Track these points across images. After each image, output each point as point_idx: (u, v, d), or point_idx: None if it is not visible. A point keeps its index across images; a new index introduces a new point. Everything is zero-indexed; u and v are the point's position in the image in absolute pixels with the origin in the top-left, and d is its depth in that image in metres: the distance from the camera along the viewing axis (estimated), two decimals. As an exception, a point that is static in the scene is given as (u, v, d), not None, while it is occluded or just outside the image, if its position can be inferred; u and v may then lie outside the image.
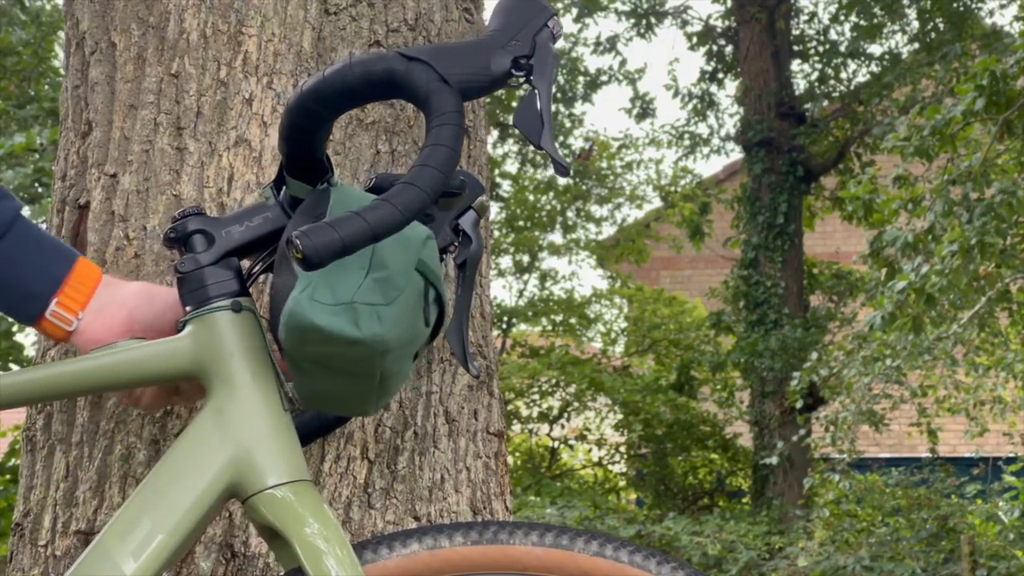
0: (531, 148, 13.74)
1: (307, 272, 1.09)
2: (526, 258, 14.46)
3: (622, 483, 13.57)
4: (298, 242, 0.99)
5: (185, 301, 1.18)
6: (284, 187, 1.19)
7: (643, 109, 13.47)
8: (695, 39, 13.13)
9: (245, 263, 1.22)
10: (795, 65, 12.76)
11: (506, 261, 14.43)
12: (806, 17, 12.99)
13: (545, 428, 13.04)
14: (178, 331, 1.18)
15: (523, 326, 14.71)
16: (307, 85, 1.11)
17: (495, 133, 13.39)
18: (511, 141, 13.87)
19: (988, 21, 11.88)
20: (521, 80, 1.14)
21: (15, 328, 5.67)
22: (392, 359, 1.15)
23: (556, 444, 13.22)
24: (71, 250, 1.23)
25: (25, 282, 1.18)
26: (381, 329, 1.11)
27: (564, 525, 1.23)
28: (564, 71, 13.48)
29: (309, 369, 1.15)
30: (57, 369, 1.18)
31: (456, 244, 1.29)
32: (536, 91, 1.13)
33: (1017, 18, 12.08)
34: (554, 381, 12.49)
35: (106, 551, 1.09)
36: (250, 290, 1.20)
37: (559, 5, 13.44)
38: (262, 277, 1.35)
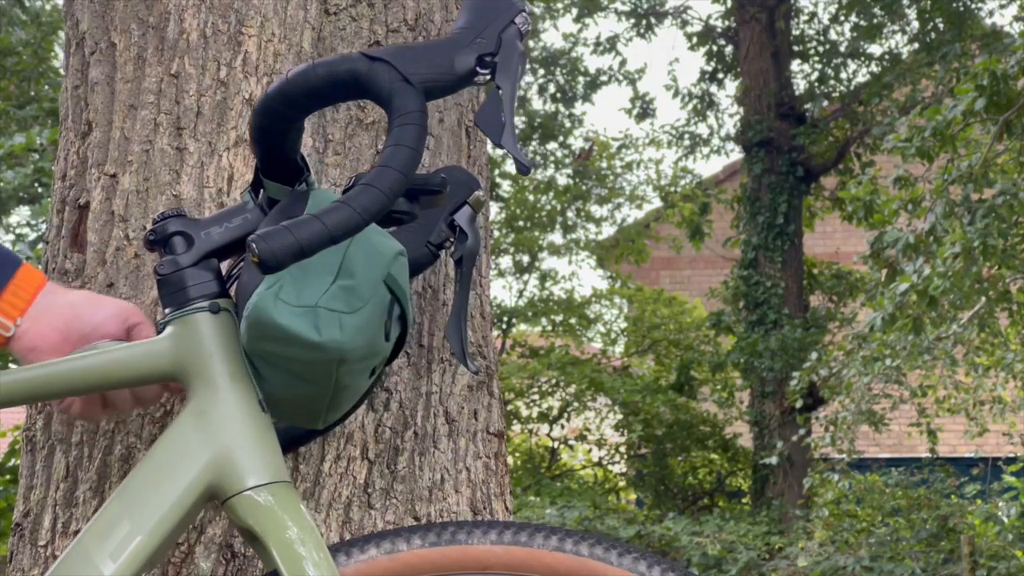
0: (531, 148, 13.74)
1: (266, 275, 1.09)
2: (526, 258, 14.46)
3: (622, 483, 13.58)
4: (255, 246, 0.99)
5: (165, 303, 1.18)
6: (262, 189, 1.19)
7: (643, 109, 13.48)
8: (695, 39, 13.14)
9: (225, 264, 1.22)
10: (795, 65, 12.77)
11: (506, 261, 14.44)
12: (806, 17, 13.00)
13: (545, 428, 13.04)
14: (158, 332, 1.19)
15: (523, 326, 14.72)
16: (272, 87, 1.11)
17: (495, 133, 13.36)
18: (511, 141, 13.83)
19: (988, 21, 11.88)
20: (486, 78, 1.13)
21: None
22: (348, 370, 1.14)
23: (556, 444, 13.22)
24: (15, 257, 1.23)
25: None
26: (341, 336, 1.11)
27: (525, 521, 1.22)
28: (564, 71, 13.48)
29: (263, 369, 1.15)
30: (38, 372, 1.18)
31: (452, 240, 1.29)
32: (499, 89, 1.12)
33: (1017, 18, 12.08)
34: (554, 381, 12.49)
35: (85, 552, 1.09)
36: (229, 291, 1.20)
37: (559, 5, 13.45)
38: None
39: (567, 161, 14.10)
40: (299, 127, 1.15)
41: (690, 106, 13.19)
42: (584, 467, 13.70)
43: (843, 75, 12.68)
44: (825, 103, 12.29)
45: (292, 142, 1.15)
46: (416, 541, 1.15)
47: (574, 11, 13.09)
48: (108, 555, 1.08)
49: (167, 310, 1.18)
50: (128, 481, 1.13)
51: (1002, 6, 14.31)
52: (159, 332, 1.18)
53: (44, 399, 1.31)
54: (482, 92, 1.64)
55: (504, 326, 14.00)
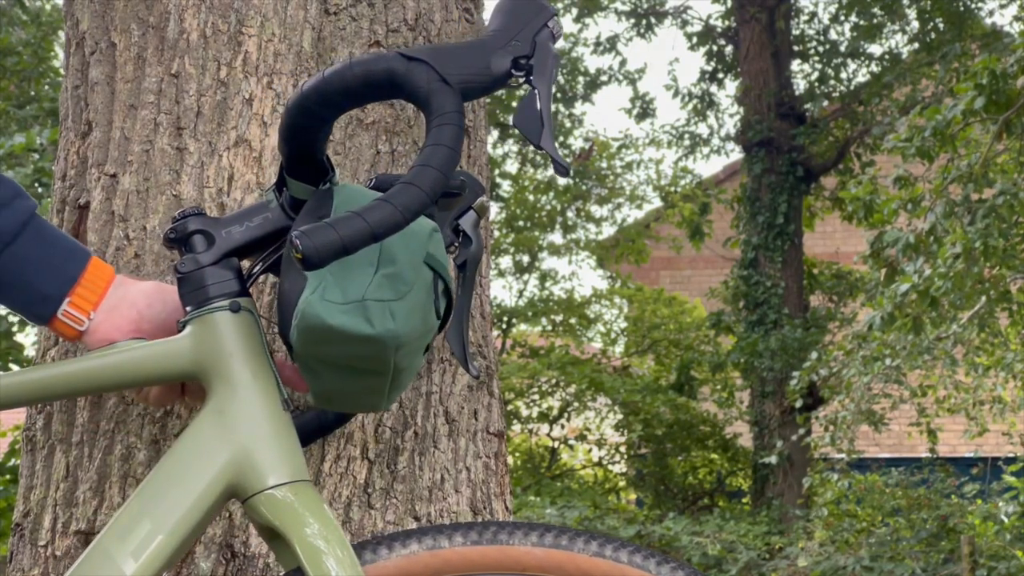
0: (531, 148, 13.74)
1: (308, 272, 1.09)
2: (526, 258, 14.45)
3: (622, 483, 13.57)
4: (298, 242, 0.99)
5: (185, 301, 1.18)
6: (285, 188, 1.19)
7: (643, 109, 13.48)
8: (695, 39, 13.14)
9: (245, 263, 1.22)
10: (795, 65, 12.76)
11: (506, 261, 14.43)
12: (806, 17, 13.00)
13: (545, 428, 13.04)
14: (178, 331, 1.18)
15: (523, 326, 14.71)
16: (307, 85, 1.11)
17: (495, 133, 13.40)
18: (511, 141, 13.87)
19: (988, 21, 11.88)
20: (521, 80, 1.14)
21: (15, 328, 5.67)
22: (405, 353, 1.15)
23: (556, 444, 13.22)
24: (84, 249, 1.23)
25: (38, 283, 1.19)
26: (394, 324, 1.11)
27: (564, 525, 1.22)
28: (564, 71, 13.48)
29: (321, 370, 1.15)
30: (58, 369, 1.18)
31: (456, 244, 1.29)
32: (536, 91, 1.13)
33: (1017, 18, 12.08)
34: (554, 381, 12.49)
35: (106, 551, 1.09)
36: (250, 290, 1.20)
37: (559, 5, 13.44)
38: (262, 277, 1.35)
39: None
40: (329, 127, 1.15)
41: (690, 106, 13.19)
42: (584, 467, 13.70)
43: (843, 75, 12.68)
44: (825, 103, 12.28)
45: (321, 141, 1.15)
46: (458, 538, 1.16)
47: (574, 11, 13.08)
48: (129, 554, 1.09)
49: (187, 308, 1.18)
50: (149, 480, 1.13)
51: (1002, 6, 14.31)
52: (179, 331, 1.18)
53: (65, 397, 1.30)
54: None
55: (504, 326, 14.00)
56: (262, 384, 1.15)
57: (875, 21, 12.05)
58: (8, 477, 5.18)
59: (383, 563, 1.14)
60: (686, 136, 13.44)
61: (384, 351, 1.12)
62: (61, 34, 9.46)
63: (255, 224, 1.20)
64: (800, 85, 12.70)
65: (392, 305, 1.12)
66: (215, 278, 1.17)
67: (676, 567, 1.14)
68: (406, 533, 1.17)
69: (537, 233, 14.27)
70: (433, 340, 1.22)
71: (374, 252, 1.13)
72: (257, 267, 1.22)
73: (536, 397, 12.75)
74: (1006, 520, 8.38)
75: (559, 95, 13.60)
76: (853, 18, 12.31)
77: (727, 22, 13.04)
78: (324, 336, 1.11)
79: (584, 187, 14.06)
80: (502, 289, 15.73)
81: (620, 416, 12.67)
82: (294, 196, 1.18)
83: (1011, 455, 10.53)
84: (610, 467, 13.52)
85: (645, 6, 13.24)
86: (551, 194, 14.16)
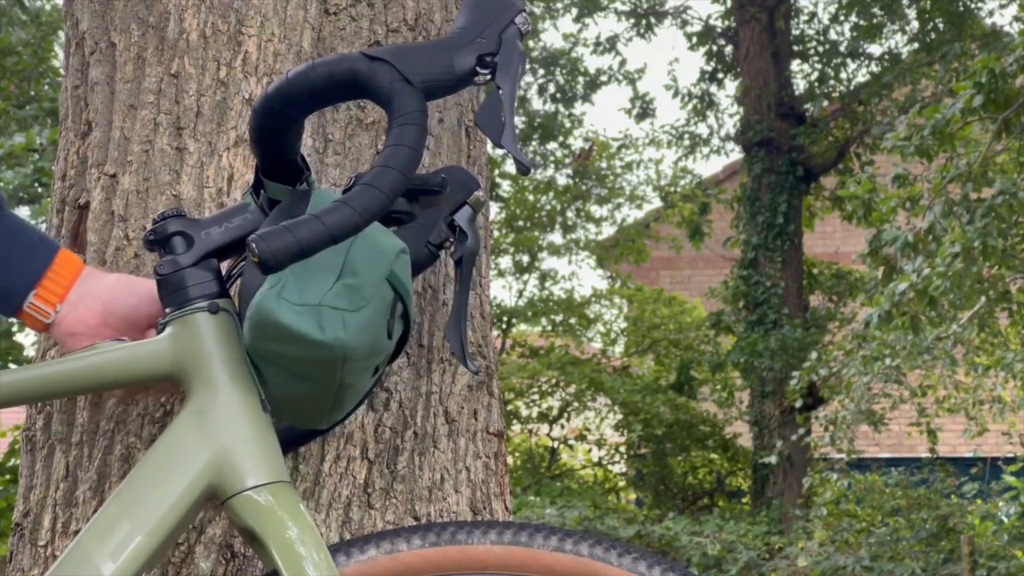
0: (531, 148, 13.74)
1: (267, 275, 1.09)
2: (526, 258, 14.46)
3: (622, 483, 13.58)
4: (254, 246, 1.00)
5: (165, 303, 1.18)
6: (263, 190, 1.19)
7: (643, 109, 13.48)
8: (695, 39, 13.14)
9: (225, 264, 1.22)
10: (795, 65, 12.76)
11: (506, 261, 14.44)
12: (806, 17, 13.00)
13: (545, 428, 13.04)
14: (158, 332, 1.19)
15: (523, 326, 14.72)
16: (272, 87, 1.11)
17: (495, 133, 13.36)
18: (511, 141, 13.83)
19: (988, 21, 11.88)
20: (487, 78, 1.13)
21: (15, 328, 5.68)
22: (352, 368, 1.14)
23: (556, 444, 13.22)
24: (52, 242, 1.24)
25: (5, 277, 1.20)
26: (344, 335, 1.11)
27: (524, 521, 1.22)
28: (564, 71, 13.48)
29: (267, 370, 1.15)
30: (36, 371, 1.19)
31: (452, 240, 1.29)
32: (499, 89, 1.12)
33: (1017, 18, 12.08)
34: (554, 381, 12.49)
35: (85, 552, 1.09)
36: (229, 291, 1.20)
37: (559, 5, 13.45)
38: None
39: (567, 161, 14.11)
40: (299, 127, 1.15)
41: (690, 106, 13.19)
42: (584, 467, 13.70)
43: (843, 75, 12.68)
44: (825, 103, 12.28)
45: (292, 142, 1.15)
46: (416, 541, 1.15)
47: (574, 11, 13.09)
48: (108, 555, 1.08)
49: (167, 310, 1.18)
50: (128, 481, 1.13)
51: (1002, 6, 14.30)
52: (159, 332, 1.18)
53: (45, 399, 1.31)
54: (482, 92, 1.64)
55: (504, 326, 14.00)
56: (241, 385, 1.15)
57: (875, 21, 12.05)
58: (8, 477, 5.18)
59: (342, 570, 1.13)
60: (686, 136, 13.45)
61: (331, 359, 1.12)
62: (61, 34, 9.46)
63: (234, 225, 1.20)
64: (800, 85, 12.70)
65: (346, 315, 1.12)
66: (194, 279, 1.17)
67: (637, 557, 1.13)
68: (365, 538, 1.16)
69: (537, 233, 14.27)
70: (384, 364, 1.22)
71: (338, 260, 1.13)
72: (236, 268, 1.22)
73: (536, 397, 12.76)
74: (1006, 520, 8.38)
75: (559, 95, 13.60)
76: (853, 18, 12.31)
77: (727, 22, 13.04)
78: (274, 333, 1.11)
79: (584, 187, 14.06)
80: (502, 289, 15.74)
81: (620, 416, 12.67)
82: (271, 197, 1.19)
83: (1011, 455, 10.53)
84: (610, 467, 13.53)
85: (645, 6, 13.24)
86: (551, 194, 14.17)
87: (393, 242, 1.17)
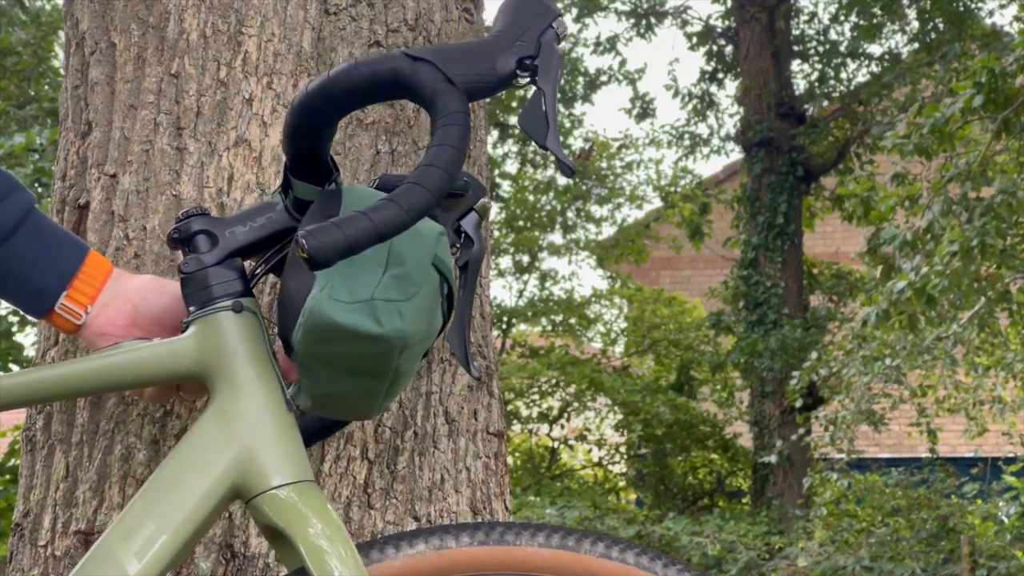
0: (531, 148, 13.74)
1: (320, 272, 1.09)
2: (526, 258, 14.46)
3: (622, 483, 13.58)
4: (304, 242, 0.99)
5: (189, 301, 1.18)
6: (290, 190, 1.19)
7: (643, 109, 13.48)
8: (695, 39, 13.14)
9: (248, 263, 1.22)
10: (795, 65, 12.77)
11: (506, 261, 14.44)
12: (806, 17, 13.00)
13: (545, 428, 13.04)
14: (182, 331, 1.19)
15: (523, 326, 14.72)
16: (313, 84, 1.11)
17: (495, 133, 13.40)
18: (511, 141, 13.87)
19: (988, 21, 11.88)
20: (526, 81, 1.14)
21: (15, 328, 5.67)
22: (408, 356, 1.15)
23: (556, 444, 13.22)
24: (82, 243, 1.24)
25: (36, 277, 1.19)
26: (402, 324, 1.12)
27: (572, 527, 1.23)
28: (564, 71, 13.47)
29: (320, 371, 1.15)
30: (62, 369, 1.18)
31: (458, 246, 1.29)
32: (541, 92, 1.13)
33: (1017, 18, 12.08)
34: (554, 381, 12.49)
35: (109, 552, 1.09)
36: (253, 291, 1.20)
37: (559, 5, 13.44)
38: (265, 277, 1.35)
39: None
40: (334, 127, 1.15)
41: (690, 106, 13.19)
42: (584, 467, 13.70)
43: (843, 75, 12.68)
44: (825, 103, 12.29)
45: (325, 141, 1.15)
46: (465, 539, 1.16)
47: (574, 11, 13.08)
48: (133, 554, 1.08)
49: (191, 309, 1.18)
50: (152, 481, 1.13)
51: (1002, 6, 14.31)
52: (182, 331, 1.18)
53: (65, 398, 1.30)
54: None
55: (504, 326, 14.00)
56: (265, 384, 1.15)
57: (875, 21, 12.05)
58: (8, 477, 5.18)
59: (390, 562, 1.14)
60: (686, 136, 13.45)
61: (390, 351, 1.13)
62: (61, 34, 9.46)
63: (259, 224, 1.20)
64: (800, 85, 12.70)
65: (400, 306, 1.12)
66: (219, 278, 1.17)
67: (682, 569, 1.14)
68: (413, 533, 1.17)
69: (537, 233, 14.28)
70: (432, 345, 1.22)
71: (383, 253, 1.13)
72: (260, 268, 1.22)
73: (536, 397, 12.76)
74: (1006, 520, 8.38)
75: (560, 95, 13.59)
76: (853, 18, 12.32)
77: (727, 22, 13.04)
78: (331, 335, 1.11)
79: (584, 187, 14.06)
80: (502, 289, 15.74)
81: (620, 416, 12.67)
82: (298, 197, 1.19)
83: (1011, 455, 10.53)
84: (610, 467, 13.53)
85: (645, 6, 13.24)
86: (551, 194, 14.17)
87: (432, 225, 1.18)
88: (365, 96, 1.11)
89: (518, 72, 1.13)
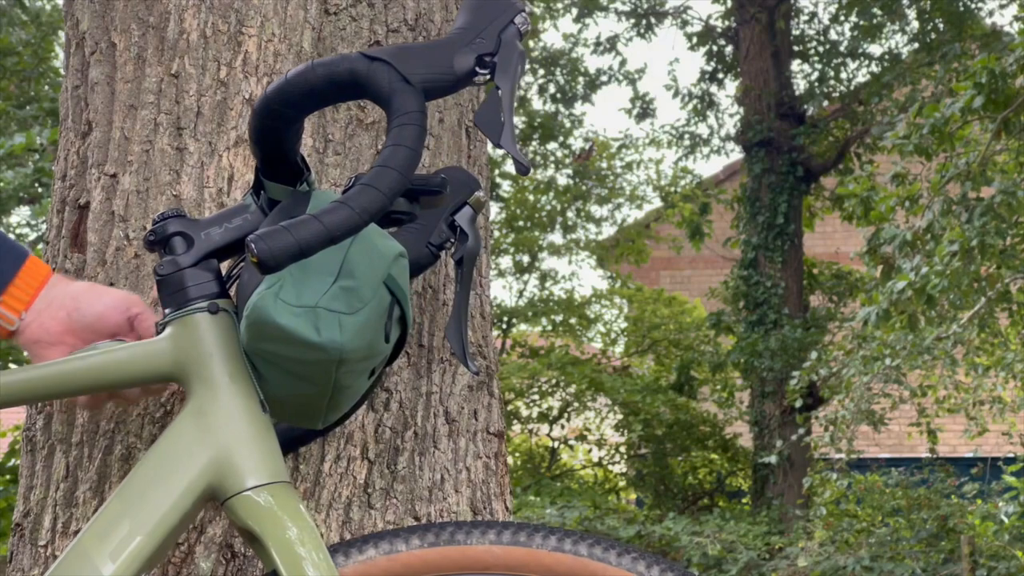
0: (531, 148, 13.74)
1: (265, 275, 1.09)
2: (526, 258, 14.46)
3: (622, 483, 13.58)
4: (253, 246, 0.99)
5: (165, 303, 1.18)
6: (263, 191, 1.19)
7: (643, 109, 13.48)
8: (695, 39, 13.14)
9: (225, 265, 1.22)
10: (795, 65, 12.76)
11: (506, 261, 14.44)
12: (806, 17, 13.00)
13: (545, 428, 13.04)
14: (157, 333, 1.19)
15: (523, 326, 14.71)
16: (272, 87, 1.11)
17: (495, 133, 13.35)
18: (511, 141, 13.83)
19: (988, 21, 11.88)
20: (486, 79, 1.13)
21: (15, 328, 5.66)
22: (347, 371, 1.14)
23: (556, 444, 13.22)
24: (22, 249, 1.24)
25: None
26: (340, 337, 1.11)
27: (523, 521, 1.22)
28: (564, 71, 13.48)
29: (263, 369, 1.15)
30: (37, 372, 1.19)
31: (453, 240, 1.29)
32: (498, 89, 1.12)
33: (1017, 18, 12.08)
34: (554, 381, 12.49)
35: (85, 552, 1.09)
36: (229, 292, 1.20)
37: (559, 5, 13.45)
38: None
39: (567, 161, 14.11)
40: (299, 127, 1.15)
41: (690, 106, 13.19)
42: (584, 467, 13.70)
43: (843, 75, 12.68)
44: (825, 103, 12.29)
45: (292, 142, 1.15)
46: (415, 541, 1.15)
47: (574, 11, 13.08)
48: (108, 555, 1.08)
49: (167, 310, 1.18)
50: (128, 481, 1.13)
51: (1002, 6, 14.29)
52: (159, 332, 1.18)
53: (44, 399, 1.31)
54: (483, 92, 1.64)
55: (504, 326, 14.00)
56: (241, 386, 1.15)
57: (875, 21, 12.05)
58: (8, 477, 5.18)
59: (341, 570, 1.13)
60: (686, 136, 13.44)
61: (326, 361, 1.12)
62: (61, 34, 9.46)
63: (234, 226, 1.20)
64: (800, 85, 12.70)
65: (343, 318, 1.12)
66: (194, 280, 1.17)
67: (636, 557, 1.13)
68: (364, 539, 1.16)
69: (537, 233, 14.27)
70: (381, 367, 1.22)
71: (336, 262, 1.13)
72: (236, 269, 1.23)
73: (536, 397, 12.76)
74: (1006, 520, 8.38)
75: (559, 95, 13.59)
76: (853, 18, 12.31)
77: (727, 22, 13.04)
78: (270, 333, 1.11)
79: (584, 187, 14.06)
80: (502, 289, 15.74)
81: (620, 416, 12.67)
82: (272, 198, 1.19)
83: (1011, 455, 10.53)
84: (610, 467, 13.53)
85: (645, 6, 13.23)
86: (551, 194, 14.17)
87: (391, 245, 1.17)
88: (323, 97, 1.11)
89: (477, 70, 1.12)
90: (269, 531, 1.09)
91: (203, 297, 1.17)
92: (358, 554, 1.15)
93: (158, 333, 1.19)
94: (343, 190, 1.21)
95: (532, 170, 14.20)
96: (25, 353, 1.27)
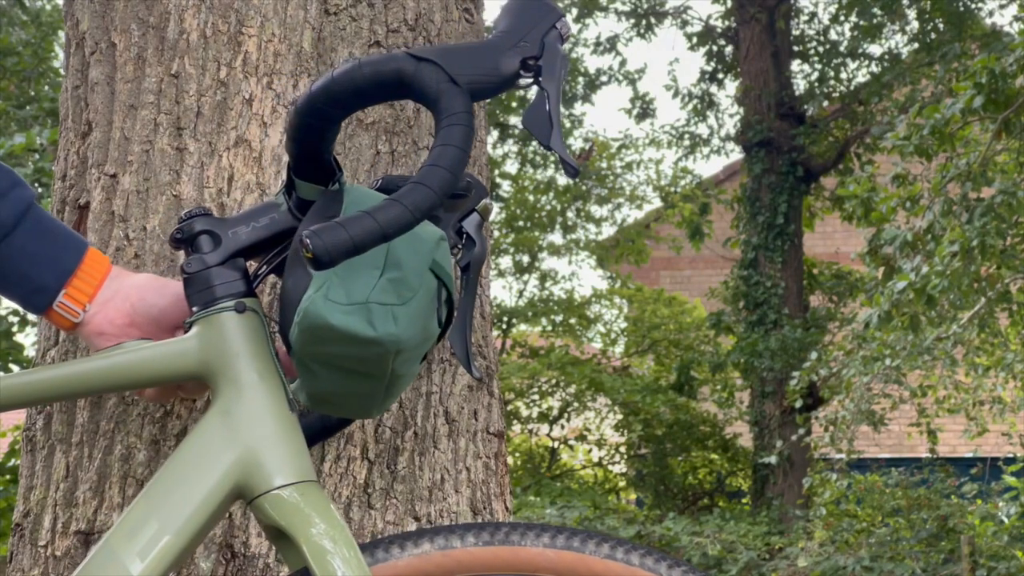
0: (531, 148, 13.74)
1: (318, 272, 1.09)
2: (526, 258, 14.46)
3: (622, 483, 13.58)
4: (308, 241, 0.99)
5: (192, 302, 1.18)
6: (293, 190, 1.19)
7: (643, 109, 13.48)
8: (695, 39, 13.14)
9: (251, 264, 1.22)
10: (795, 65, 12.77)
11: (506, 261, 14.44)
12: (806, 17, 13.00)
13: (545, 428, 13.05)
14: (185, 332, 1.19)
15: (523, 326, 14.71)
16: (317, 85, 1.11)
17: (495, 133, 13.39)
18: (511, 141, 13.87)
19: (988, 21, 11.88)
20: (529, 81, 1.14)
21: (15, 328, 5.67)
22: (403, 360, 1.15)
23: (556, 444, 13.22)
24: (82, 240, 1.23)
25: (36, 274, 1.19)
26: (396, 329, 1.12)
27: (577, 527, 1.23)
28: (567, 72, 13.48)
29: (318, 370, 1.15)
30: (66, 370, 1.18)
31: (460, 247, 1.29)
32: (545, 92, 1.13)
33: (1017, 18, 12.08)
34: (554, 381, 12.50)
35: (112, 551, 1.09)
36: (255, 291, 1.20)
37: (559, 5, 13.44)
38: (269, 278, 1.35)
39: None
40: (337, 127, 1.14)
41: (690, 106, 13.19)
42: (584, 467, 13.70)
43: (843, 75, 12.68)
44: (825, 103, 12.29)
45: (328, 141, 1.15)
46: (470, 539, 1.16)
47: (574, 11, 13.08)
48: (136, 554, 1.08)
49: (193, 309, 1.18)
50: (155, 481, 1.13)
51: (1002, 6, 14.30)
52: (185, 331, 1.18)
53: (71, 397, 1.30)
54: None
55: (504, 326, 14.00)
56: (268, 384, 1.15)
57: (875, 21, 12.05)
58: (8, 477, 5.18)
59: (394, 562, 1.14)
60: (686, 136, 13.45)
61: (384, 354, 1.12)
62: (61, 34, 9.47)
63: (262, 225, 1.20)
64: (800, 85, 12.71)
65: (395, 309, 1.12)
66: (221, 278, 1.17)
67: (687, 570, 1.14)
68: (418, 533, 1.17)
69: (537, 233, 14.28)
70: (432, 349, 1.22)
71: (380, 255, 1.13)
72: (263, 268, 1.22)
73: (536, 397, 12.76)
74: (1006, 520, 8.38)
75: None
76: (853, 18, 12.31)
77: (727, 22, 13.04)
78: (325, 336, 1.11)
79: (584, 187, 14.06)
80: (502, 289, 15.74)
81: (620, 416, 12.67)
82: (302, 197, 1.18)
83: (1011, 455, 10.53)
84: (610, 467, 13.53)
85: (645, 6, 13.24)
86: (551, 194, 14.17)
87: (432, 230, 1.18)
88: (368, 96, 1.11)
89: (521, 72, 1.13)
90: (299, 529, 1.09)
91: (230, 296, 1.17)
92: (413, 547, 1.15)
93: (185, 332, 1.18)
94: (376, 189, 1.21)
95: (535, 170, 14.22)
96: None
